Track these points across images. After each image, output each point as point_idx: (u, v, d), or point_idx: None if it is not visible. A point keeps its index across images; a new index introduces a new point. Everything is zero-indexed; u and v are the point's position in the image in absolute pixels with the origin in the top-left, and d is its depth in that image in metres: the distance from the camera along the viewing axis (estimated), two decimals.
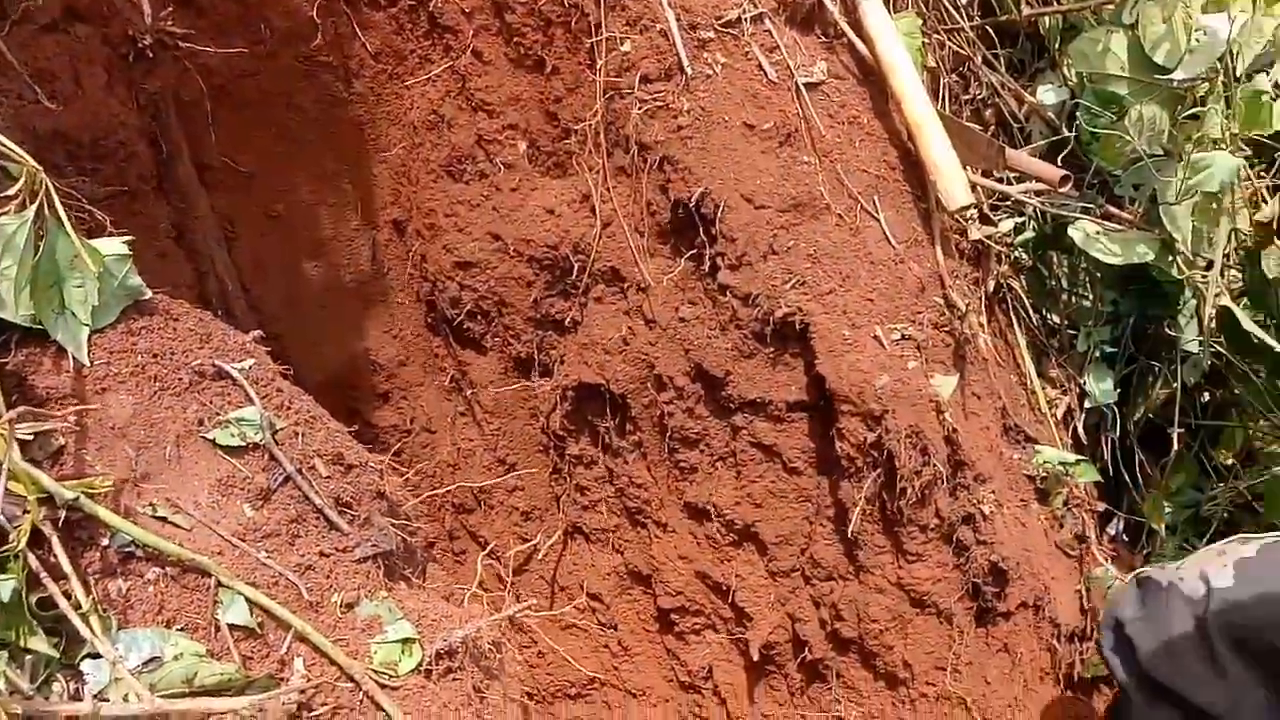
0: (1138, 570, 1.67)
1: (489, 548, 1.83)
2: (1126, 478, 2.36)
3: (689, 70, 1.83)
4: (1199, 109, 1.84)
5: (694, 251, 1.91)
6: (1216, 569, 1.42)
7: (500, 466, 2.18)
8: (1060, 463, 2.09)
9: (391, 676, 1.12)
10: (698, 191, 1.84)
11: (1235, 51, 1.73)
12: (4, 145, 1.07)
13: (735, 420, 1.97)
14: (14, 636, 0.86)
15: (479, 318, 2.15)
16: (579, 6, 1.91)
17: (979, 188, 2.04)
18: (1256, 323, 1.99)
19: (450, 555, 2.13)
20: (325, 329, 2.10)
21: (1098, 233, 1.98)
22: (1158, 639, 1.49)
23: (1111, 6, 1.86)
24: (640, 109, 1.86)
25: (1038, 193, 2.03)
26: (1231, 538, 1.51)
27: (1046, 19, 2.14)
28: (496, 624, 1.23)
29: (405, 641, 1.14)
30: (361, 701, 1.08)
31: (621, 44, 1.86)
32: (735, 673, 2.17)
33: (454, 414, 2.21)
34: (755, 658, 2.07)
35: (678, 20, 1.82)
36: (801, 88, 1.87)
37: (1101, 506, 2.27)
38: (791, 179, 1.85)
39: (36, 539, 0.91)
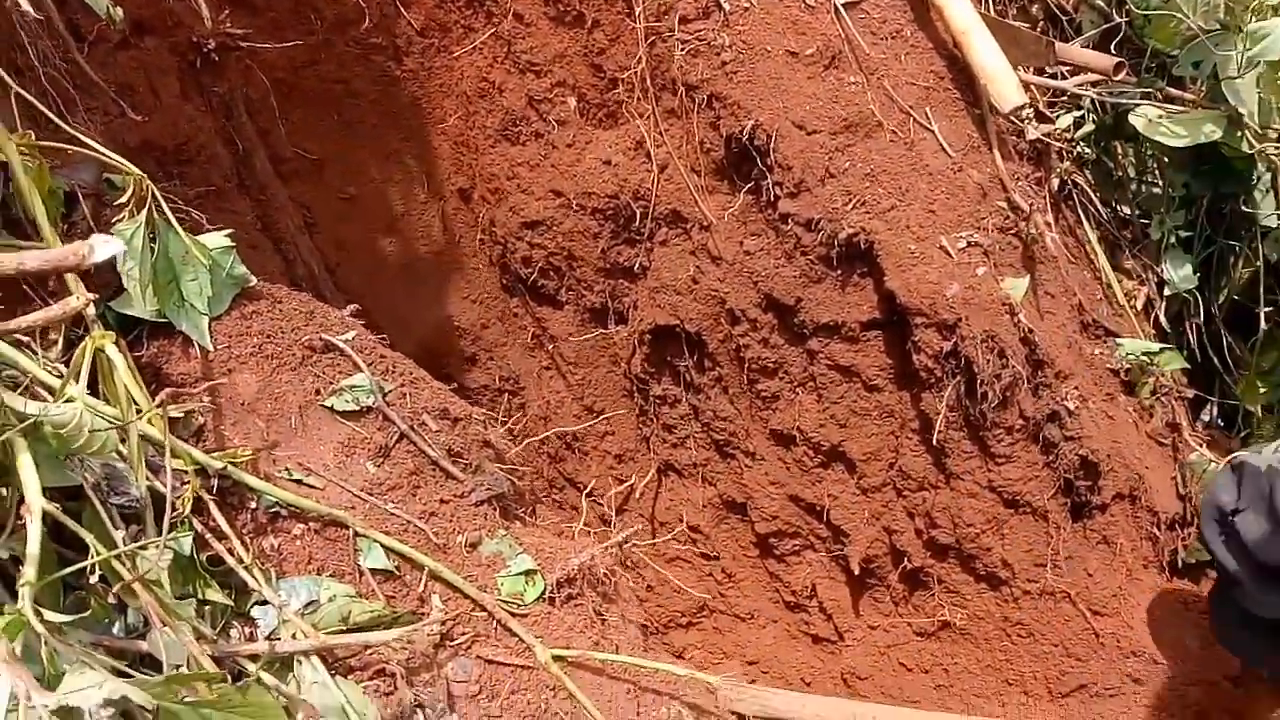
0: (1231, 455, 1.63)
1: (589, 488, 1.92)
2: (1216, 362, 2.33)
3: (726, 5, 1.85)
4: None
5: (752, 184, 1.94)
6: None
7: (589, 414, 2.26)
8: (1144, 353, 2.08)
9: (519, 605, 1.21)
10: (749, 124, 1.86)
11: None
12: (111, 158, 1.16)
13: (811, 345, 2.01)
14: (193, 590, 0.97)
15: (551, 274, 2.22)
16: None
17: (1032, 86, 2.01)
18: None
19: (553, 502, 2.23)
20: (408, 301, 2.20)
21: (1160, 117, 1.95)
22: (1264, 525, 1.47)
23: None
24: (683, 50, 1.89)
25: (1094, 84, 2.00)
26: None
27: None
28: (608, 552, 1.31)
29: (528, 573, 1.23)
30: (496, 629, 1.18)
31: None
32: (838, 588, 2.23)
33: (539, 369, 2.30)
34: (856, 572, 2.13)
35: None
36: (840, 8, 1.87)
37: (1192, 393, 2.24)
38: (841, 101, 1.86)
39: (196, 507, 1.02)
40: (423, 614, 1.13)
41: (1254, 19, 1.87)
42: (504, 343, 2.32)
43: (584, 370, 2.28)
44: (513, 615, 1.18)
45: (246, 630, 0.99)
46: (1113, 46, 2.08)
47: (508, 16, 2.09)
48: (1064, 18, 2.22)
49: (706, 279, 2.05)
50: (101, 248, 0.87)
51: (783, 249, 1.95)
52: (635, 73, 1.98)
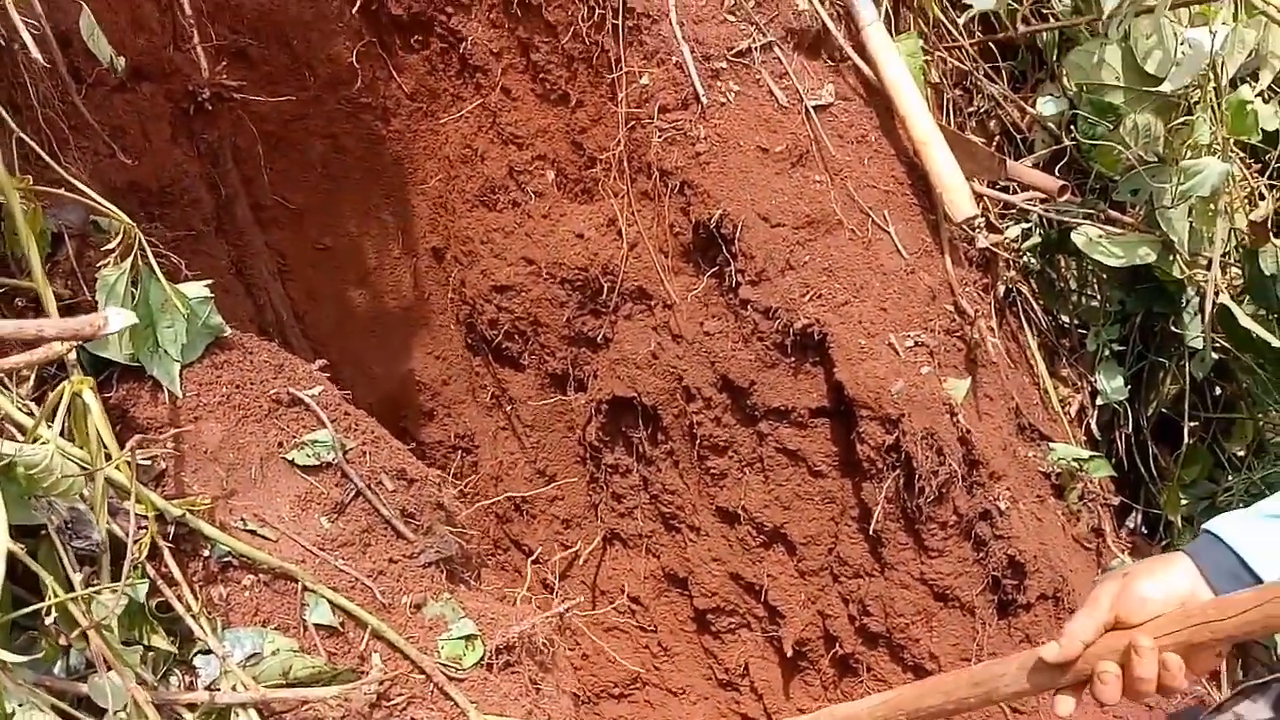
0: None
1: (535, 554, 1.95)
2: (1142, 471, 2.44)
3: (704, 99, 1.95)
4: (1189, 117, 1.94)
5: (716, 269, 2.02)
6: None
7: (540, 477, 2.30)
8: (1074, 459, 2.17)
9: (457, 669, 1.24)
10: (717, 213, 1.95)
11: (1220, 63, 1.83)
12: (105, 207, 1.20)
13: (761, 427, 2.08)
14: (139, 636, 0.99)
15: (516, 337, 2.28)
16: (599, 44, 2.04)
17: (984, 198, 2.14)
18: (1258, 318, 2.08)
19: (497, 564, 2.26)
20: (373, 353, 2.24)
21: (1100, 236, 2.08)
22: None
23: (1102, 21, 1.96)
24: (660, 137, 1.98)
25: (1041, 200, 2.13)
26: (1237, 700, 1.39)
27: (1044, 33, 2.24)
28: (548, 621, 1.35)
29: (468, 638, 1.27)
30: (432, 692, 1.21)
31: (640, 77, 1.98)
32: (770, 669, 2.27)
33: (495, 429, 2.34)
34: (789, 654, 2.17)
35: (692, 53, 1.94)
36: (811, 111, 1.98)
37: (1117, 500, 2.34)
38: (805, 197, 1.97)
39: (151, 551, 1.04)
40: (363, 672, 1.16)
41: (1189, 154, 2.02)
42: (463, 400, 2.36)
43: (539, 434, 2.33)
44: (450, 679, 1.21)
45: (187, 679, 1.01)
46: (1059, 168, 2.22)
47: (496, 89, 2.18)
48: (1018, 136, 2.37)
49: (666, 355, 2.12)
50: (115, 320, 0.92)
51: (741, 333, 2.03)
52: (613, 154, 2.07)
